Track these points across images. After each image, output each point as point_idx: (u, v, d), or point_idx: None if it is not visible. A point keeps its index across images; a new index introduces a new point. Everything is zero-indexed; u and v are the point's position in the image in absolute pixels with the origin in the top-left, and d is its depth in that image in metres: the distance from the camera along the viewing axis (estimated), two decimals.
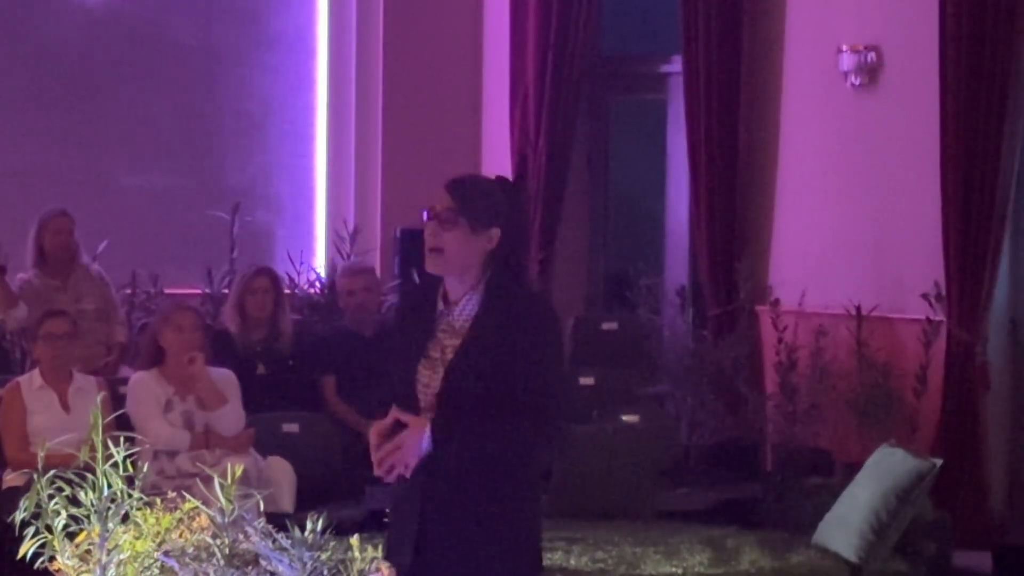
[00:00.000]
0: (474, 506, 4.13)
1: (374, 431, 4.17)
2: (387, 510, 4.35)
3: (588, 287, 10.28)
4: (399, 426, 4.13)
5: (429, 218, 4.19)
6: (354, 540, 3.00)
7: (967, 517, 7.67)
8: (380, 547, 3.16)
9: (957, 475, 7.75)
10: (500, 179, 4.48)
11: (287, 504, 7.14)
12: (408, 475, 4.12)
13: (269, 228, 10.29)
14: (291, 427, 7.79)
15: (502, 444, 4.11)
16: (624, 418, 7.92)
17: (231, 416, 7.33)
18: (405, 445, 4.08)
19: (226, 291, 8.91)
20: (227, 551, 2.92)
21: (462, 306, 4.18)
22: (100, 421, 2.96)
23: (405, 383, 4.20)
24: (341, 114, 10.45)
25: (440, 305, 4.22)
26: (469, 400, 4.10)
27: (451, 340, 4.17)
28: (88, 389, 7.25)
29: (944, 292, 8.09)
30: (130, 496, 2.95)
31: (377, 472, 4.14)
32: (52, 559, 2.95)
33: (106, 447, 2.94)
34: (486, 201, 4.21)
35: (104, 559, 2.92)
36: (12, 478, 7.11)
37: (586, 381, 8.46)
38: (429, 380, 4.17)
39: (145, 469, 3.09)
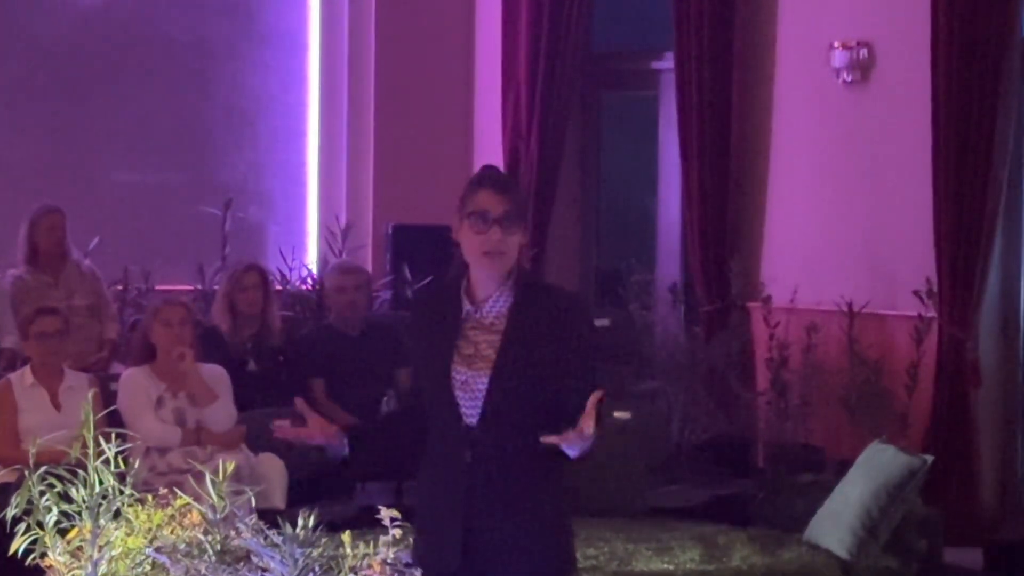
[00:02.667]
0: (522, 503, 4.11)
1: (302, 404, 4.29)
2: (415, 514, 4.32)
3: (580, 283, 10.28)
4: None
5: (488, 222, 4.09)
6: (346, 536, 3.01)
7: (958, 514, 7.68)
8: (372, 544, 3.16)
9: (948, 472, 7.76)
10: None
11: (279, 501, 7.13)
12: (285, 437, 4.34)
13: (261, 224, 10.28)
14: (282, 423, 7.77)
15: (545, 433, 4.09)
16: (616, 414, 7.91)
17: (222, 413, 7.32)
18: (316, 431, 4.22)
19: (218, 287, 8.91)
20: (219, 547, 2.92)
21: (491, 303, 4.15)
22: (91, 417, 2.96)
23: (438, 384, 4.15)
24: (333, 110, 10.44)
25: (466, 303, 4.18)
26: (518, 394, 4.07)
27: (485, 336, 4.13)
28: (79, 386, 7.23)
29: (936, 289, 8.10)
30: (121, 492, 2.95)
31: (277, 424, 4.25)
32: (44, 555, 2.95)
33: (97, 443, 2.94)
34: (524, 203, 4.26)
35: (96, 555, 2.91)
36: (3, 475, 7.09)
37: None
38: (468, 378, 4.11)
39: (136, 465, 3.09)
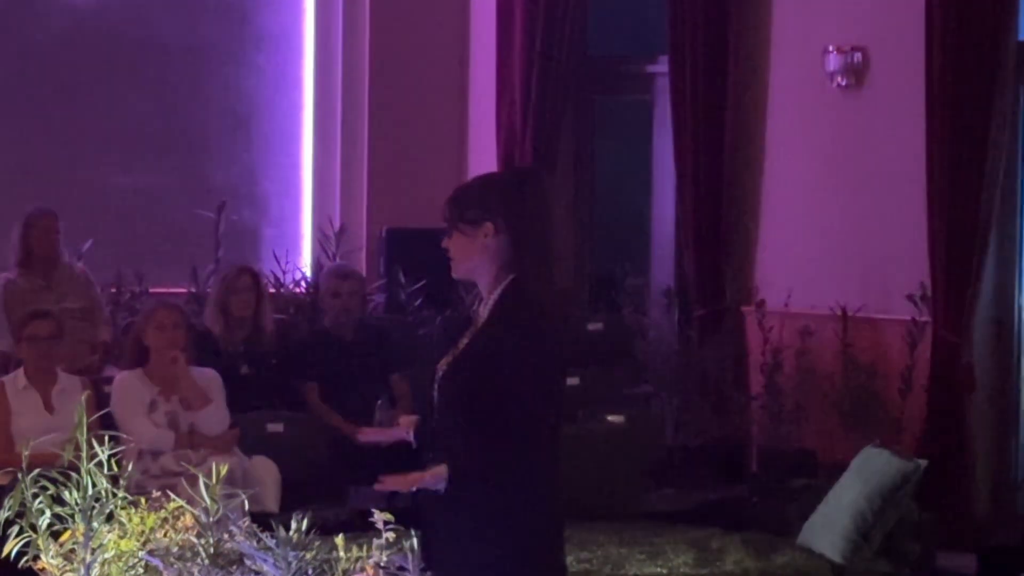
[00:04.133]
0: (468, 512, 4.12)
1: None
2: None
3: (574, 287, 10.27)
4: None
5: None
6: (339, 540, 3.00)
7: (952, 518, 7.68)
8: (365, 547, 3.16)
9: (942, 476, 7.75)
10: (513, 171, 4.53)
11: (272, 504, 7.13)
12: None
13: (255, 227, 10.27)
14: (275, 427, 7.78)
15: (473, 457, 4.10)
16: (609, 418, 7.92)
17: (215, 416, 7.32)
18: (415, 480, 4.13)
19: (211, 290, 8.90)
20: (212, 551, 2.92)
21: (483, 307, 4.20)
22: (85, 420, 2.96)
23: (431, 380, 4.23)
24: (327, 113, 10.43)
25: (477, 303, 4.27)
26: (452, 403, 4.12)
27: (468, 338, 4.21)
28: (72, 389, 7.23)
29: (929, 293, 8.11)
30: (114, 495, 2.94)
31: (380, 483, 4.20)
32: (36, 558, 2.94)
33: (90, 446, 2.94)
34: (473, 199, 4.21)
35: (88, 558, 2.91)
36: None
37: (571, 381, 8.46)
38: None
39: (129, 468, 3.09)
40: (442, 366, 4.19)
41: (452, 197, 4.24)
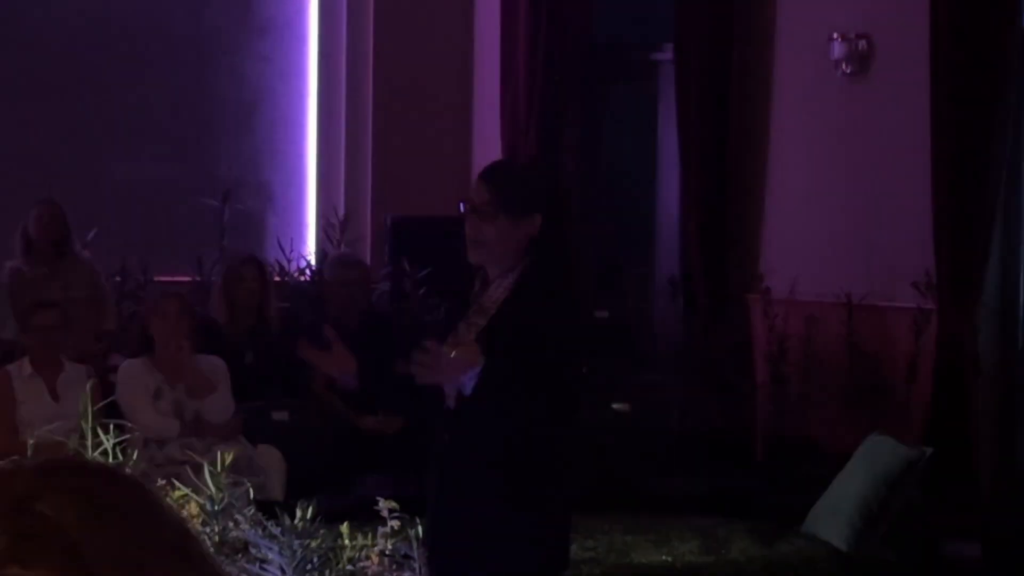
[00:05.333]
0: (494, 491, 4.11)
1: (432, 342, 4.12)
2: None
3: (578, 276, 10.26)
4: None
5: (467, 210, 4.14)
6: (344, 528, 3.01)
7: (957, 506, 7.67)
8: (371, 535, 3.17)
9: (947, 464, 7.75)
10: (536, 162, 4.51)
11: (277, 492, 7.13)
12: (421, 381, 4.05)
13: (260, 216, 10.27)
14: (281, 415, 7.78)
15: (514, 426, 4.09)
16: (615, 407, 7.93)
17: (220, 404, 7.32)
18: (455, 358, 4.00)
19: (216, 279, 8.90)
20: (217, 539, 2.92)
21: (494, 288, 4.18)
22: (90, 409, 2.96)
23: None
24: (332, 102, 10.43)
25: (476, 285, 4.22)
26: (485, 382, 4.08)
27: (478, 319, 4.17)
28: (78, 378, 7.22)
29: (935, 281, 8.10)
30: None
31: (413, 369, 4.07)
32: None
33: (96, 435, 2.94)
34: (523, 188, 4.19)
35: None
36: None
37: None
38: None
39: (135, 457, 3.09)
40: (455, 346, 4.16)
41: (498, 186, 4.16)
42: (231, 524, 3.14)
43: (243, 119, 10.25)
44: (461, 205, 4.21)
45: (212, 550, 2.91)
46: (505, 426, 4.08)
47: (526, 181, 4.24)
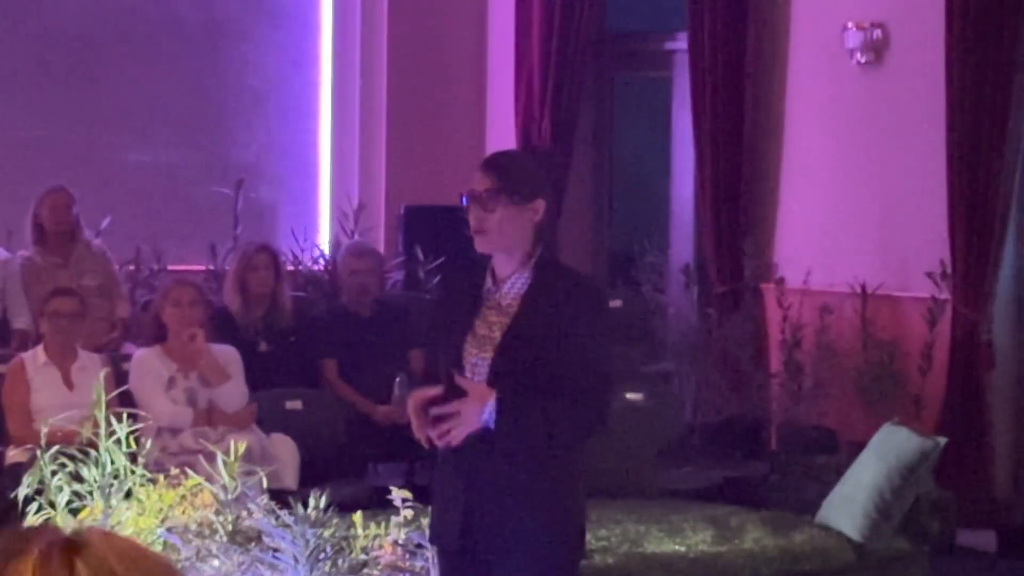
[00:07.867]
0: (522, 487, 4.10)
1: (415, 399, 4.13)
2: (431, 491, 4.31)
3: (593, 265, 10.26)
4: (451, 394, 4.10)
5: (469, 200, 4.13)
6: (357, 517, 3.00)
7: (971, 496, 7.67)
8: (384, 524, 3.16)
9: (961, 454, 7.74)
10: (532, 150, 4.50)
11: (290, 481, 7.13)
12: (456, 443, 4.06)
13: (273, 204, 10.27)
14: (294, 404, 7.78)
15: (554, 424, 4.08)
16: (628, 396, 7.90)
17: (234, 393, 7.32)
18: (466, 412, 4.04)
19: (229, 268, 8.90)
20: (230, 528, 2.92)
21: (510, 284, 4.15)
22: (103, 397, 2.96)
23: (452, 360, 4.17)
24: (345, 90, 10.42)
25: (488, 282, 4.19)
26: (520, 379, 4.07)
27: (499, 318, 4.13)
28: (92, 366, 7.22)
29: (949, 270, 8.08)
30: (133, 473, 2.94)
31: (431, 435, 4.07)
32: None
33: (109, 423, 2.94)
34: (525, 174, 4.18)
35: None
36: (15, 454, 7.09)
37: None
38: (478, 360, 4.14)
39: (148, 446, 3.08)
40: (478, 349, 4.13)
41: (500, 172, 4.15)
42: (244, 513, 3.14)
43: (256, 107, 10.25)
44: (463, 198, 4.18)
45: (225, 539, 2.91)
46: (536, 440, 4.09)
47: (527, 166, 4.24)
